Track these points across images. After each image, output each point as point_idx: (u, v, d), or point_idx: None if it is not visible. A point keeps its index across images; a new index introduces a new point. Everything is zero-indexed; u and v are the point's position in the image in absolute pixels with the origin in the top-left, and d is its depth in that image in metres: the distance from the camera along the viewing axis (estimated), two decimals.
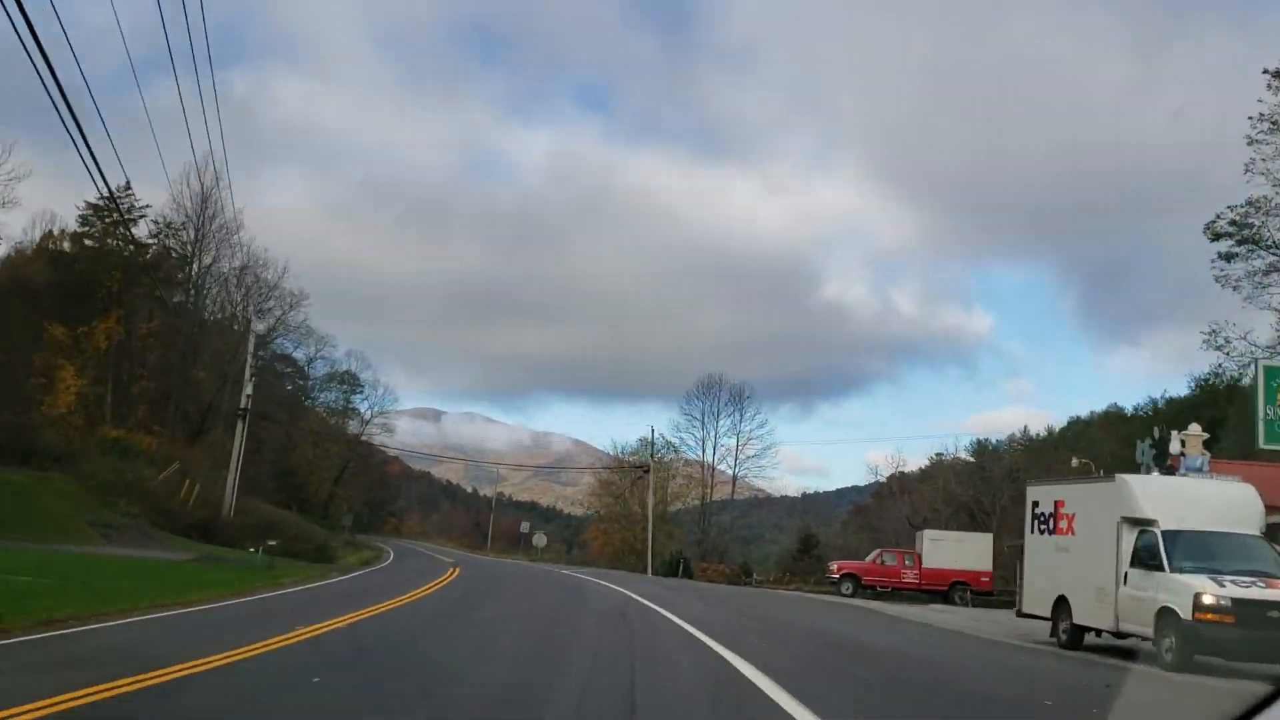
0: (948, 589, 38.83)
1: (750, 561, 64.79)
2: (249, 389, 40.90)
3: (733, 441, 70.44)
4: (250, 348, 45.21)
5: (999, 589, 39.17)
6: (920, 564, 39.92)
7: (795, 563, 58.29)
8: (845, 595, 38.58)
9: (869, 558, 42.52)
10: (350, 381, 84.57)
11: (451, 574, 33.21)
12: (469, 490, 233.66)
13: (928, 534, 41.87)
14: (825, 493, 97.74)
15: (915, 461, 70.43)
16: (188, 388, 49.35)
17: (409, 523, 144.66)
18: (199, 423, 54.80)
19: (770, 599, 32.18)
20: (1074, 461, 30.43)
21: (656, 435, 69.16)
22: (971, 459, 64.10)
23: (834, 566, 42.51)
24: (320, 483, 76.84)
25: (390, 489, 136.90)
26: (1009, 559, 43.30)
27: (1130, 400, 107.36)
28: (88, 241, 52.27)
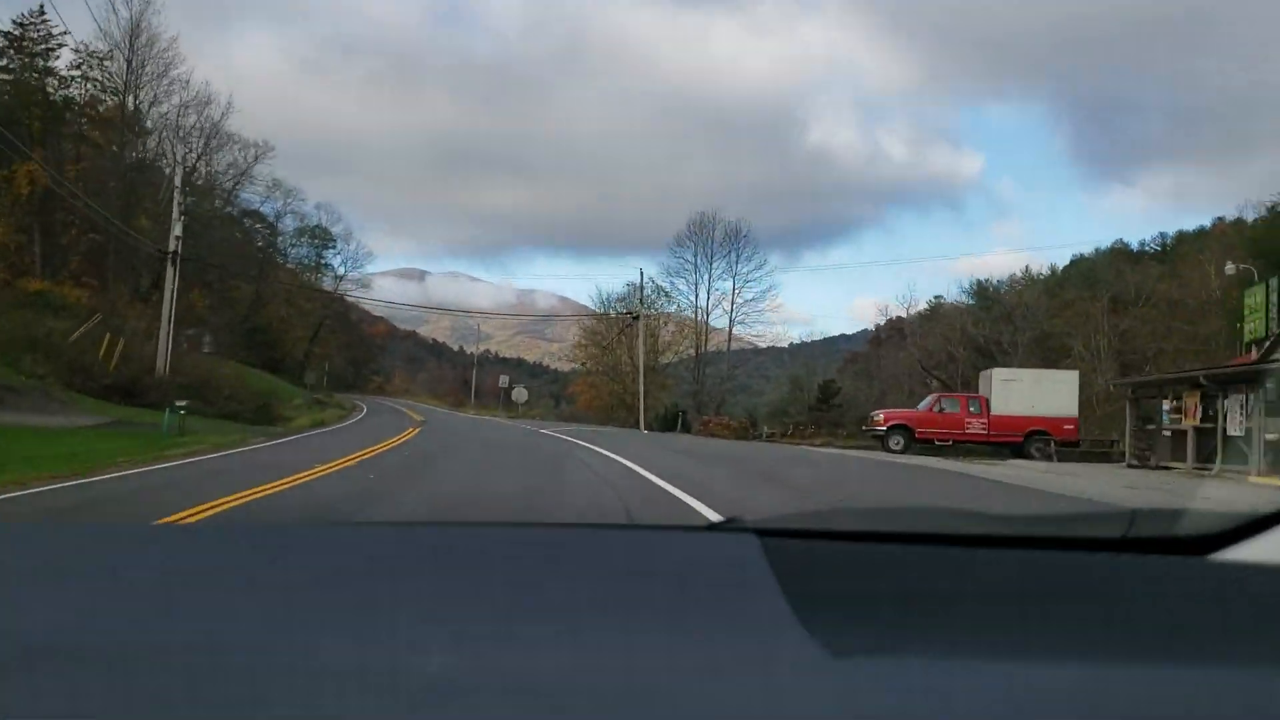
0: (1022, 440, 32.27)
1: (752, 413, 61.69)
2: (177, 230, 36.16)
3: (728, 285, 66.35)
4: (178, 182, 40.15)
5: (1087, 437, 34.22)
6: (988, 410, 32.98)
7: (815, 414, 54.74)
8: (895, 450, 31.58)
9: (924, 405, 35.11)
10: (321, 236, 79.52)
11: (407, 434, 29.06)
12: (455, 349, 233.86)
13: (998, 374, 34.83)
14: (813, 342, 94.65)
15: (907, 307, 66.39)
16: (127, 238, 44.45)
17: (396, 381, 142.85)
18: (149, 278, 50.24)
19: (816, 462, 22.86)
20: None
21: (646, 280, 64.82)
22: (972, 301, 60.74)
23: (880, 416, 34.59)
24: (294, 342, 72.86)
25: (373, 348, 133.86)
26: (1101, 404, 38.87)
27: (1135, 236, 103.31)
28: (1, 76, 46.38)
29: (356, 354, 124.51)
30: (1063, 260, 78.81)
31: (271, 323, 70.63)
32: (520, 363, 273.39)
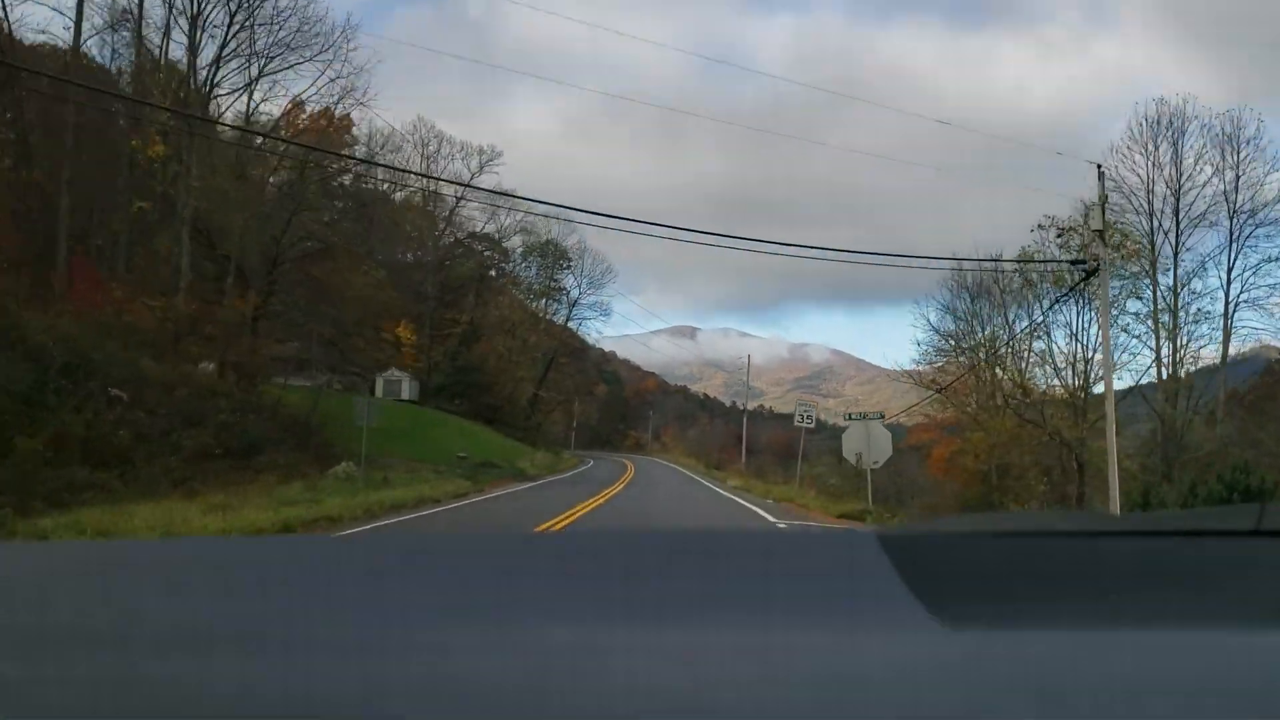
0: None
1: None
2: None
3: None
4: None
5: None
6: None
7: None
8: None
9: None
10: (554, 254, 63.13)
11: None
12: (727, 404, 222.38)
13: None
14: None
15: None
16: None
17: (665, 439, 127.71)
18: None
19: None
20: None
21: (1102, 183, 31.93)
22: None
23: None
24: (514, 384, 56.23)
25: (627, 403, 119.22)
26: None
27: None
28: None
29: (614, 408, 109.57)
30: None
31: (487, 360, 54.28)
32: (787, 419, 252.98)
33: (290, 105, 36.32)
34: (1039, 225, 29.48)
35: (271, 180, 31.12)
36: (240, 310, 23.84)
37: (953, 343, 36.72)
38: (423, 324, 58.00)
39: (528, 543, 1.03)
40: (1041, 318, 31.18)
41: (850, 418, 25.78)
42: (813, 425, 25.94)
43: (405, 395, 51.31)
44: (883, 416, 26.15)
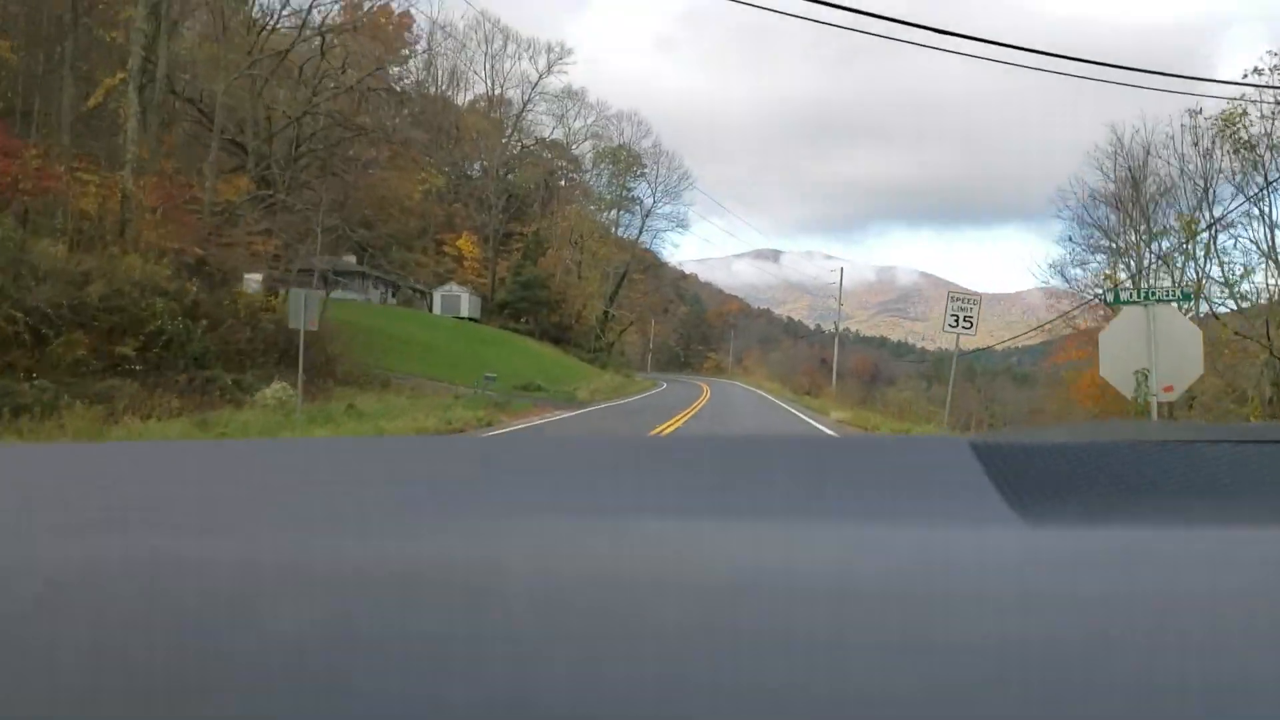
0: None
1: None
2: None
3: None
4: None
5: None
6: None
7: None
8: None
9: None
10: (626, 160, 58.08)
11: None
12: (812, 327, 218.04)
13: None
14: None
15: None
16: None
17: (746, 362, 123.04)
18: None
19: None
20: None
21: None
22: None
23: None
24: (584, 300, 51.88)
25: (710, 325, 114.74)
26: None
27: None
28: None
29: (694, 330, 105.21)
30: None
31: (554, 274, 49.99)
32: (884, 342, 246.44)
33: None
34: (1254, 70, 23.05)
35: (294, 60, 26.75)
36: (224, 196, 19.74)
37: (1115, 240, 30.36)
38: (486, 237, 53.90)
39: (631, 445, 1.02)
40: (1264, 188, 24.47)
41: (1117, 298, 13.99)
42: (972, 331, 18.62)
43: (464, 312, 47.47)
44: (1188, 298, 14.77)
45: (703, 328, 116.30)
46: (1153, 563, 0.58)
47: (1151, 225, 29.75)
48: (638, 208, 59.40)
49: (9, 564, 0.55)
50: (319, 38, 25.46)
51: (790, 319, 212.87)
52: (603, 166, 57.74)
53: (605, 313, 53.79)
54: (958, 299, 18.69)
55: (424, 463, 0.93)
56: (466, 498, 0.76)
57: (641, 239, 60.24)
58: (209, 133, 23.49)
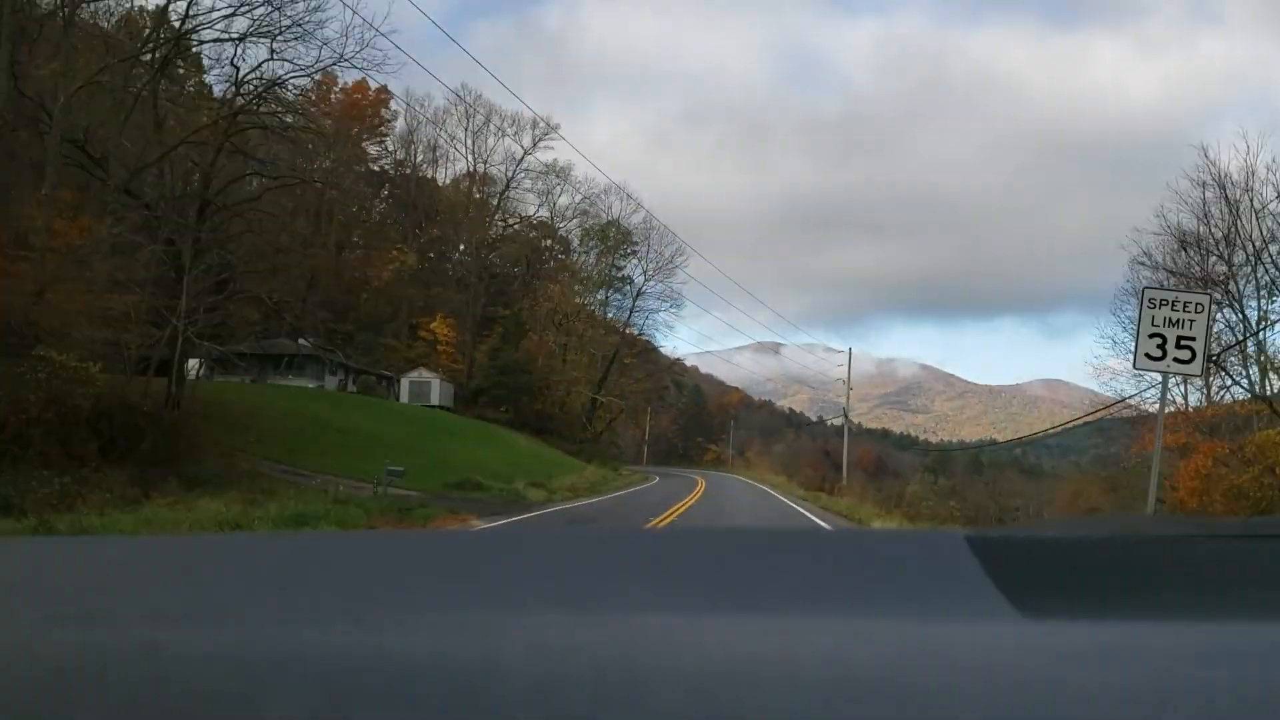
0: None
1: None
2: None
3: None
4: None
5: None
6: None
7: None
8: None
9: None
10: (616, 238, 54.30)
11: None
12: (814, 419, 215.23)
13: None
14: None
15: None
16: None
17: (748, 455, 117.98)
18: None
19: None
20: None
21: None
22: None
23: None
24: (567, 387, 47.34)
25: (714, 418, 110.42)
26: None
27: None
28: None
29: (694, 421, 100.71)
30: None
31: (536, 359, 45.57)
32: (887, 434, 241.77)
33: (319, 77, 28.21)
34: None
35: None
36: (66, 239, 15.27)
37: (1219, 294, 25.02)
38: (465, 320, 49.71)
39: (627, 538, 1.04)
40: None
41: None
42: (1193, 365, 10.46)
43: (435, 400, 42.73)
44: None
45: (703, 419, 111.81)
46: (1147, 657, 0.57)
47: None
48: (628, 287, 55.15)
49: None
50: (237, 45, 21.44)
51: (792, 411, 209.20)
52: (590, 244, 53.91)
53: (592, 400, 49.05)
54: (1164, 300, 9.52)
55: (423, 554, 0.93)
56: (463, 591, 0.75)
57: (633, 320, 55.87)
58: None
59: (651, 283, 55.84)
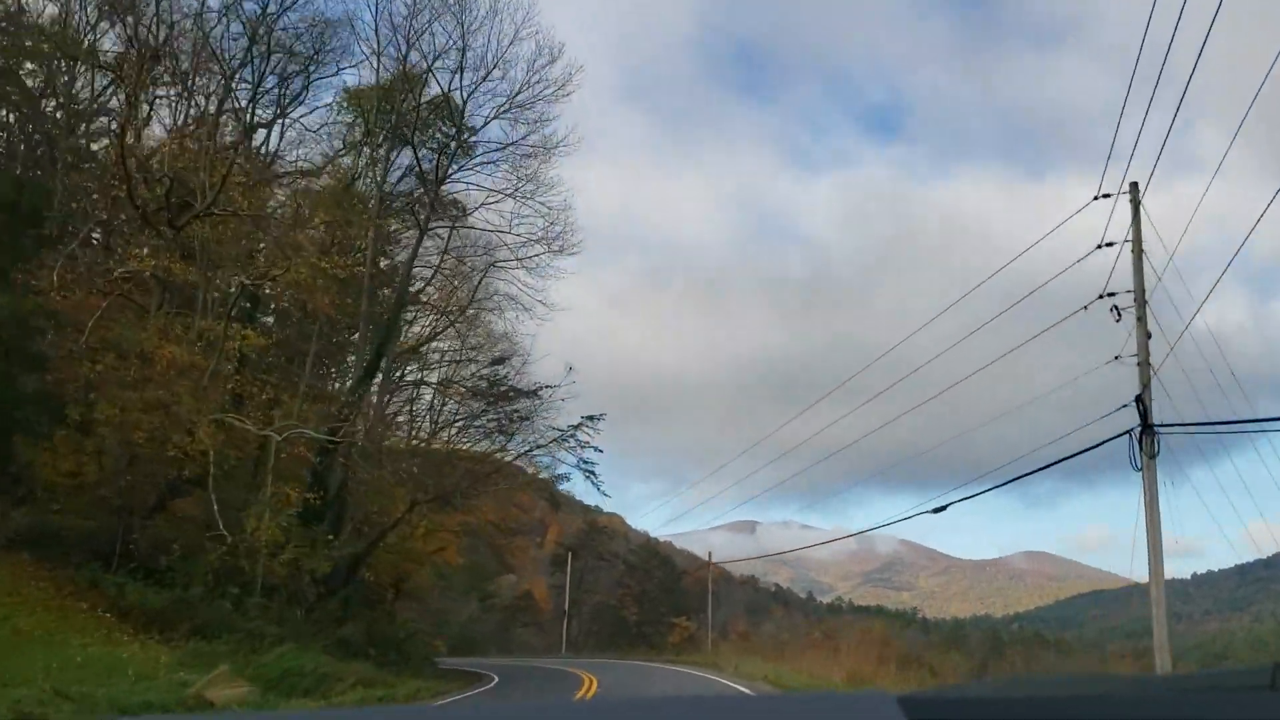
0: None
1: None
2: None
3: None
4: None
5: None
6: None
7: None
8: None
9: None
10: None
11: None
12: (802, 595, 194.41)
13: None
14: None
15: None
16: None
17: (733, 638, 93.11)
18: None
19: None
20: None
21: None
22: None
23: None
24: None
25: (688, 592, 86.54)
26: None
27: None
28: None
29: (662, 595, 76.81)
30: None
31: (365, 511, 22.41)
32: (880, 609, 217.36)
33: None
34: None
35: None
36: None
37: None
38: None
39: (548, 712, 0.99)
40: None
41: None
42: None
43: None
44: None
45: (676, 594, 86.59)
46: None
47: None
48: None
49: None
50: None
51: (778, 587, 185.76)
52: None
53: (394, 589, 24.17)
54: None
55: None
56: None
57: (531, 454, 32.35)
58: None
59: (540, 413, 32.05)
